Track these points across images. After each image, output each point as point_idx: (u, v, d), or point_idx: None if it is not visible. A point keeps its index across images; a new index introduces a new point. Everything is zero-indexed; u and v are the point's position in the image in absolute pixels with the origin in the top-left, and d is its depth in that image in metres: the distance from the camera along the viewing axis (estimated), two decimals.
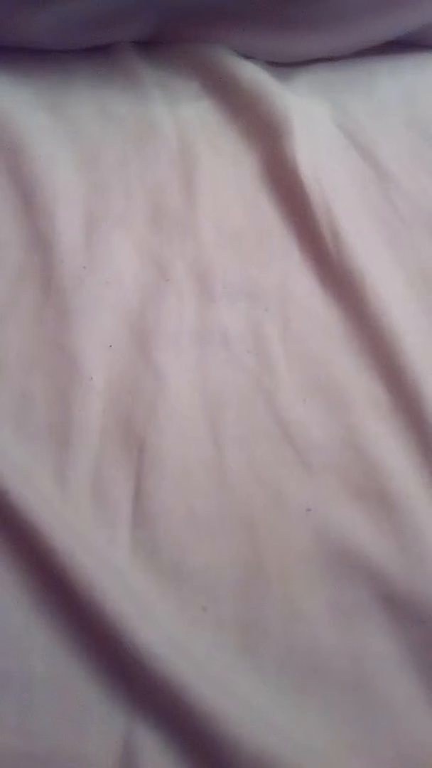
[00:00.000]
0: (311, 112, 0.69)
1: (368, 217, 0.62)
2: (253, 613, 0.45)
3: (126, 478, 0.49)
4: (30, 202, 0.61)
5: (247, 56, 0.74)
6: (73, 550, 0.44)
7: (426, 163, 0.66)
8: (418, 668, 0.43)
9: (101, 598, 0.43)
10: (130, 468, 0.49)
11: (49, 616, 0.43)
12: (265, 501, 0.48)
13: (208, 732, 0.40)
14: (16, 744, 0.40)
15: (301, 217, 0.61)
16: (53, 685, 0.42)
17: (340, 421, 0.51)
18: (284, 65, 0.75)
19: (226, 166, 0.66)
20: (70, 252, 0.59)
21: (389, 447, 0.50)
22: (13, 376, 0.53)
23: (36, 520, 0.45)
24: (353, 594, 0.45)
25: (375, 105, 0.71)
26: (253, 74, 0.71)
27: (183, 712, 0.40)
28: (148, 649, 0.42)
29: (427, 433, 0.50)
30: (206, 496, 0.48)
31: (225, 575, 0.46)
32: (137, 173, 0.65)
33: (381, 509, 0.48)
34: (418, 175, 0.65)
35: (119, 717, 0.41)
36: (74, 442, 0.50)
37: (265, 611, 0.45)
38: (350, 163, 0.66)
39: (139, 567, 0.46)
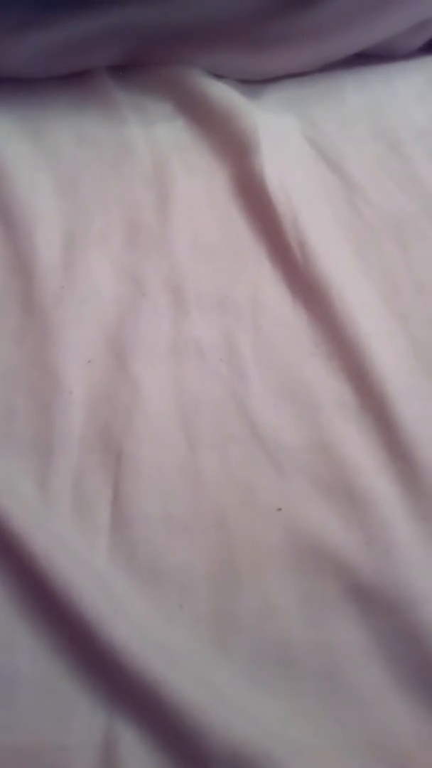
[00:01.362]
0: (279, 126, 0.71)
1: (336, 225, 0.65)
2: (227, 609, 0.47)
3: (105, 484, 0.51)
4: (10, 226, 0.64)
5: (219, 76, 0.76)
6: (52, 554, 0.46)
7: (391, 171, 0.69)
8: (386, 657, 0.45)
9: (79, 600, 0.45)
10: (109, 475, 0.52)
11: (31, 617, 0.46)
12: (237, 501, 0.50)
13: (184, 724, 0.42)
14: (1, 738, 0.42)
15: (270, 229, 0.64)
16: (36, 682, 0.44)
17: (309, 423, 0.54)
18: (255, 82, 0.77)
19: (199, 183, 0.68)
20: (50, 272, 0.61)
21: (356, 446, 0.52)
22: None
23: (18, 527, 0.48)
24: (323, 587, 0.47)
25: (342, 117, 0.74)
26: (223, 93, 0.73)
27: (160, 705, 0.42)
28: (124, 646, 0.44)
29: (392, 432, 0.52)
30: (181, 498, 0.51)
31: (200, 573, 0.48)
32: (114, 194, 0.67)
33: (349, 505, 0.50)
34: (384, 184, 0.68)
35: (100, 711, 0.43)
36: (55, 452, 0.52)
37: (239, 606, 0.47)
38: (318, 175, 0.69)
39: (117, 569, 0.48)
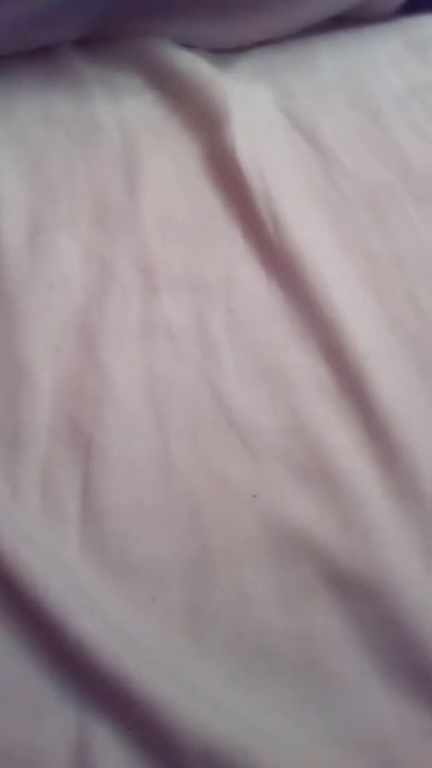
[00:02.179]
0: (251, 96, 0.69)
1: (310, 198, 0.62)
2: (202, 600, 0.45)
3: (74, 475, 0.50)
4: None
5: (189, 46, 0.73)
6: (19, 549, 0.45)
7: (368, 139, 0.66)
8: (366, 644, 0.44)
9: (47, 596, 0.43)
10: (78, 466, 0.50)
11: None
12: (210, 489, 0.49)
13: (156, 720, 0.41)
14: None
15: (243, 204, 0.61)
16: (6, 681, 0.43)
17: (284, 405, 0.52)
18: (226, 52, 0.74)
19: (169, 160, 0.66)
20: (15, 257, 0.59)
21: (333, 427, 0.51)
22: None
23: None
24: (300, 575, 0.46)
25: (317, 84, 0.71)
26: (192, 64, 0.70)
27: (132, 702, 0.41)
28: (94, 642, 0.42)
29: (370, 412, 0.51)
30: (152, 488, 0.49)
31: (173, 565, 0.47)
32: (82, 174, 0.65)
33: (325, 489, 0.48)
34: (360, 153, 0.65)
35: (72, 710, 0.42)
36: (22, 443, 0.51)
37: (213, 597, 0.45)
38: (292, 145, 0.66)
39: (88, 562, 0.47)
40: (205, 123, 0.67)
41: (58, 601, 0.43)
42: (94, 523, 0.48)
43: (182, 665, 0.43)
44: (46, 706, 0.42)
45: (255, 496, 0.48)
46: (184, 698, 0.41)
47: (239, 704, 0.42)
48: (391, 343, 0.54)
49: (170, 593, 0.46)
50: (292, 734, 0.42)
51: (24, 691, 0.43)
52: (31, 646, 0.44)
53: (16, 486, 0.49)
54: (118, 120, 0.69)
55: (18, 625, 0.44)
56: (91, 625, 0.43)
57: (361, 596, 0.45)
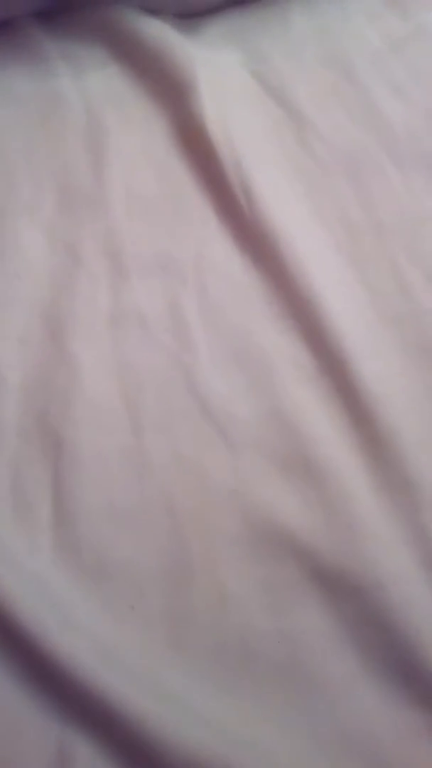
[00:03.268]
0: (220, 62, 0.65)
1: (284, 166, 0.59)
2: (182, 605, 0.43)
3: (44, 476, 0.47)
4: None
5: (154, 12, 0.69)
6: None
7: (343, 99, 0.63)
8: (352, 643, 0.42)
9: (19, 609, 0.41)
10: (48, 465, 0.48)
11: None
12: (187, 485, 0.46)
13: (138, 733, 0.39)
14: None
15: (214, 178, 0.58)
16: None
17: (263, 391, 0.49)
18: (193, 16, 0.70)
19: (136, 134, 0.63)
20: None
21: (314, 413, 0.48)
22: None
23: None
24: (283, 573, 0.44)
25: (289, 45, 0.67)
26: (158, 32, 0.67)
27: (112, 715, 0.39)
28: (70, 655, 0.40)
29: (352, 394, 0.48)
30: (126, 487, 0.47)
31: (150, 569, 0.44)
32: (44, 155, 0.62)
33: (307, 480, 0.46)
34: (335, 114, 0.62)
35: (52, 726, 0.40)
36: None
37: (194, 601, 0.43)
38: (263, 111, 0.63)
39: (62, 570, 0.45)
40: (171, 93, 0.63)
41: (32, 613, 0.41)
42: (67, 527, 0.46)
43: (163, 675, 0.41)
44: (24, 722, 0.41)
45: (234, 490, 0.46)
46: (165, 710, 0.39)
47: (223, 713, 0.40)
48: (373, 319, 0.51)
49: (149, 600, 0.43)
50: (277, 742, 0.40)
51: (2, 709, 0.41)
52: (6, 660, 0.42)
53: None
54: (81, 95, 0.65)
55: None
56: (68, 638, 0.41)
57: (347, 593, 0.43)
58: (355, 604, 0.42)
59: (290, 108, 0.62)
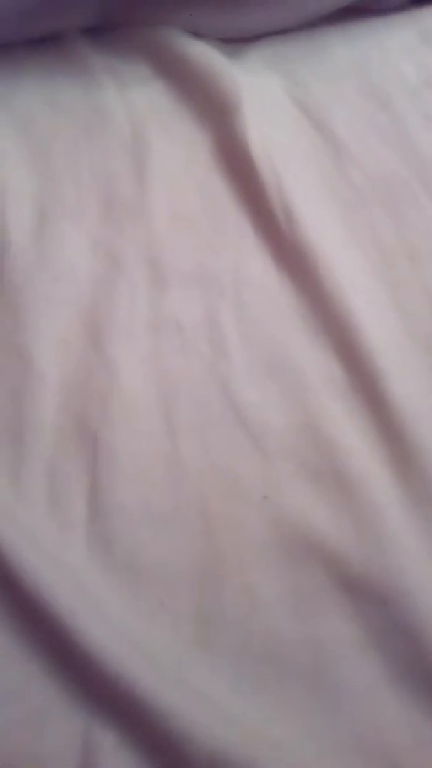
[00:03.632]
0: (263, 87, 0.67)
1: (322, 190, 0.61)
2: (211, 605, 0.44)
3: (81, 474, 0.48)
4: None
5: (198, 35, 0.72)
6: (25, 552, 0.44)
7: (379, 130, 0.65)
8: (377, 651, 0.43)
9: (53, 600, 0.42)
10: (85, 464, 0.49)
11: (1, 619, 0.43)
12: (220, 490, 0.48)
13: (162, 727, 0.40)
14: None
15: (254, 196, 0.60)
16: (10, 688, 0.42)
17: (295, 403, 0.51)
18: (236, 41, 0.73)
19: (179, 150, 0.65)
20: (21, 248, 0.58)
21: (345, 426, 0.49)
22: None
23: None
24: (311, 579, 0.45)
25: (328, 74, 0.70)
26: (202, 53, 0.69)
27: (139, 709, 0.40)
28: (101, 647, 0.41)
29: (383, 410, 0.49)
30: (161, 488, 0.48)
31: (181, 568, 0.45)
32: (89, 163, 0.64)
33: (337, 490, 0.47)
34: (371, 143, 0.64)
35: (77, 716, 0.41)
36: (28, 441, 0.49)
37: (223, 602, 0.44)
38: (303, 136, 0.65)
39: (95, 564, 0.46)
40: (215, 112, 0.65)
41: (65, 605, 0.42)
42: (101, 524, 0.47)
43: (190, 672, 0.42)
44: (51, 712, 0.41)
45: (266, 497, 0.47)
46: (192, 706, 0.40)
47: (248, 712, 0.41)
48: (405, 339, 0.53)
49: (179, 598, 0.44)
50: (300, 743, 0.40)
51: (28, 696, 0.42)
52: (36, 650, 0.43)
53: (21, 485, 0.48)
54: (125, 108, 0.67)
55: (23, 629, 0.43)
56: (98, 630, 0.42)
57: (373, 602, 0.44)
58: (381, 613, 0.43)
59: (329, 135, 0.65)
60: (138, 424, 0.50)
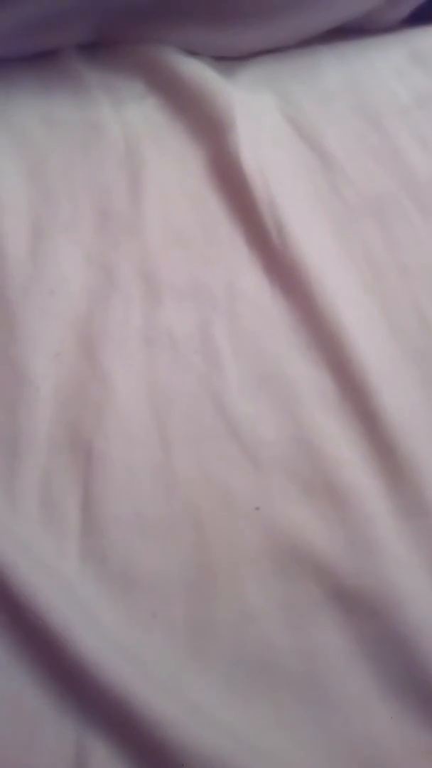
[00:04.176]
0: (256, 104, 0.68)
1: (314, 206, 0.62)
2: (203, 616, 0.44)
3: (74, 486, 0.49)
4: None
5: (192, 53, 0.73)
6: (17, 563, 0.44)
7: (371, 148, 0.66)
8: (369, 662, 0.43)
9: (46, 610, 0.43)
10: (78, 476, 0.49)
11: None
12: (213, 502, 0.48)
13: (157, 738, 0.40)
14: None
15: (247, 212, 0.61)
16: (2, 698, 0.42)
17: (288, 416, 0.51)
18: (229, 59, 0.74)
19: (173, 165, 0.65)
20: (16, 262, 0.58)
21: (337, 439, 0.50)
22: None
23: None
24: (304, 591, 0.45)
25: (321, 93, 0.71)
26: (196, 71, 0.70)
27: (131, 719, 0.40)
28: (94, 658, 0.41)
29: (374, 423, 0.50)
30: (154, 500, 0.48)
31: (174, 579, 0.46)
32: (84, 178, 0.64)
33: (329, 502, 0.47)
34: (364, 161, 0.65)
35: (70, 727, 0.41)
36: (22, 453, 0.50)
37: (216, 613, 0.44)
38: (296, 153, 0.66)
39: (88, 576, 0.46)
40: (209, 129, 0.66)
41: (58, 615, 0.42)
42: (95, 536, 0.47)
43: (183, 682, 0.42)
44: (44, 722, 0.41)
45: (258, 508, 0.48)
46: (185, 716, 0.41)
47: (240, 722, 0.41)
48: (396, 354, 0.53)
49: (171, 609, 0.45)
50: (293, 753, 0.41)
51: (21, 706, 0.42)
52: (29, 660, 0.43)
53: (15, 496, 0.48)
54: (120, 124, 0.68)
55: (16, 639, 0.43)
56: (91, 640, 0.42)
57: (364, 613, 0.44)
58: (372, 624, 0.43)
59: (321, 152, 0.66)
60: (131, 435, 0.51)
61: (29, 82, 0.72)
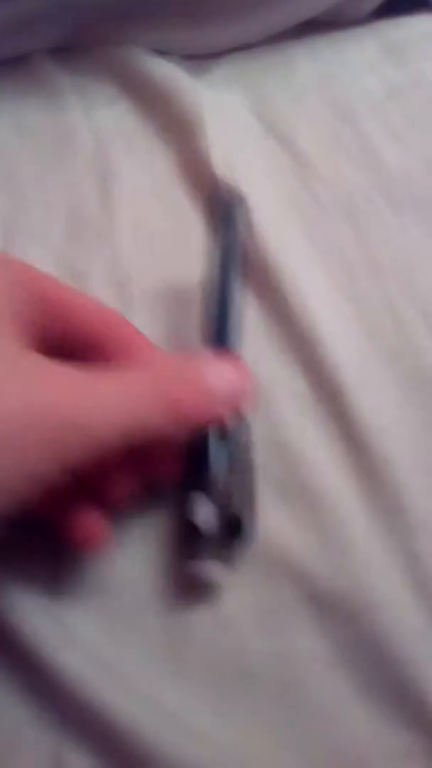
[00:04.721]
0: (226, 104, 0.68)
1: (285, 206, 0.61)
2: (180, 624, 0.44)
3: None
4: None
5: (163, 53, 0.72)
6: None
7: (344, 145, 0.65)
8: (346, 666, 0.43)
9: (20, 623, 0.42)
10: None
11: None
12: None
13: (134, 748, 0.40)
14: None
15: None
16: None
17: (262, 418, 0.51)
18: (201, 58, 0.73)
19: (144, 169, 0.65)
20: None
21: (311, 440, 0.50)
22: None
23: None
24: (279, 595, 0.45)
25: (293, 89, 0.70)
26: (166, 72, 0.69)
27: (110, 732, 0.40)
28: (70, 671, 0.41)
29: (349, 424, 0.50)
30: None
31: (150, 586, 0.45)
32: (55, 185, 0.64)
33: (303, 504, 0.47)
34: (337, 159, 0.64)
35: (48, 739, 0.41)
36: None
37: (191, 620, 0.44)
38: (267, 153, 0.65)
39: (62, 582, 0.46)
40: (178, 130, 0.66)
41: (33, 628, 0.42)
42: None
43: (159, 689, 0.42)
44: (21, 738, 0.41)
45: None
46: (164, 727, 0.41)
47: (218, 730, 0.41)
48: (369, 354, 0.53)
49: (147, 617, 0.44)
50: (271, 761, 0.41)
51: None
52: (5, 674, 0.43)
53: None
54: (91, 129, 0.68)
55: None
56: (67, 650, 0.42)
57: (340, 617, 0.44)
58: (348, 627, 0.43)
59: (292, 150, 0.65)
60: None
61: (1, 88, 0.72)
